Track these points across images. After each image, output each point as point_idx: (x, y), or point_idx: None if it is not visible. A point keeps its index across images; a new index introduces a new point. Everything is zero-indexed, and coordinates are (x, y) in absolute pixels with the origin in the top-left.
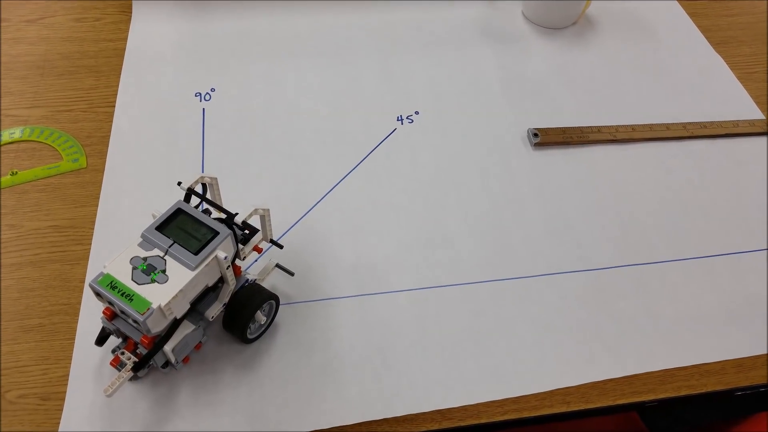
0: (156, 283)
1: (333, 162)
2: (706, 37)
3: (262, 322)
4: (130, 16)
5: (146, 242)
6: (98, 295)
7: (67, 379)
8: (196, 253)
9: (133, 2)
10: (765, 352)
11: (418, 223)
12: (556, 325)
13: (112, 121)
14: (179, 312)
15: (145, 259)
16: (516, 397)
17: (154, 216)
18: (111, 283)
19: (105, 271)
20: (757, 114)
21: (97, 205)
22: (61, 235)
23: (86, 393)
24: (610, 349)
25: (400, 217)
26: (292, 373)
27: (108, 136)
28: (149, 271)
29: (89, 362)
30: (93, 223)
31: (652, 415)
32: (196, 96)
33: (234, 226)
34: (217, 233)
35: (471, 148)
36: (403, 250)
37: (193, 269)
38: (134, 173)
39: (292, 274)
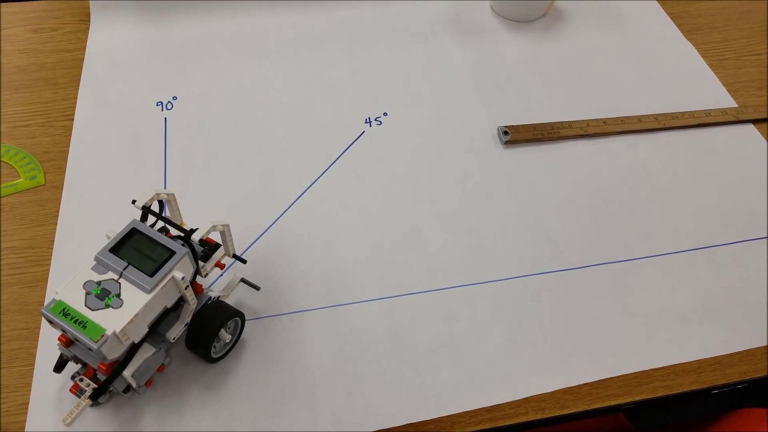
0: (110, 308)
1: (300, 169)
2: (677, 25)
3: (227, 341)
4: (89, 26)
5: (100, 265)
6: (51, 322)
7: (27, 408)
8: (151, 275)
9: (92, 10)
10: (742, 349)
11: (387, 229)
12: (530, 329)
13: (70, 136)
14: (137, 336)
15: (98, 283)
16: (490, 407)
17: (108, 237)
18: (63, 309)
19: (57, 297)
20: (729, 102)
21: (56, 224)
22: (19, 257)
23: (47, 422)
24: (585, 352)
25: (370, 224)
26: (260, 391)
27: (67, 151)
28: (103, 295)
29: (49, 389)
30: (52, 242)
31: (638, 413)
32: (157, 105)
33: (192, 244)
34: (173, 253)
35: (441, 148)
36: (373, 257)
37: (148, 292)
38: (95, 189)
39: (257, 288)
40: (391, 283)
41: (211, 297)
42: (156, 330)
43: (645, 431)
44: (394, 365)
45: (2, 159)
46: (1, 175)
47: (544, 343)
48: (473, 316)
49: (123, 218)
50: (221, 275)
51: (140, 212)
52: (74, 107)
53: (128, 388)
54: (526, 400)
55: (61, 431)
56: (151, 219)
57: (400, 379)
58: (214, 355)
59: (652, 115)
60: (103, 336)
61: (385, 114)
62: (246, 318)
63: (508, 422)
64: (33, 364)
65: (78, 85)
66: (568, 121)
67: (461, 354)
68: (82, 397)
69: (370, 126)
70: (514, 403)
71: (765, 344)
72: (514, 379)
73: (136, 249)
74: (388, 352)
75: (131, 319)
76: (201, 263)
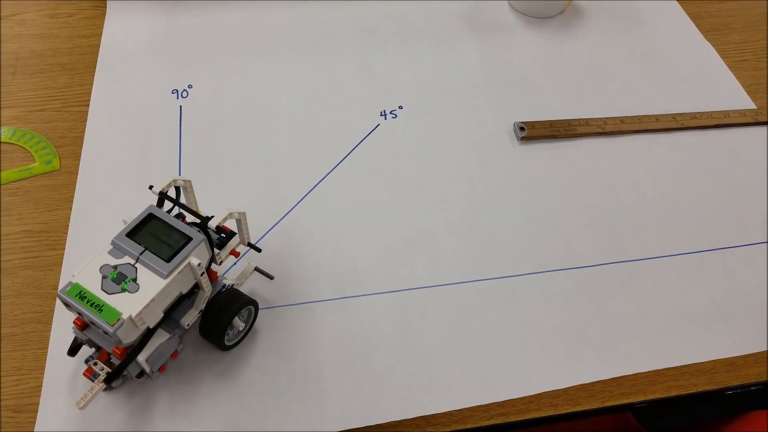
0: (127, 293)
1: (315, 159)
2: (696, 25)
3: (241, 329)
4: (105, 11)
5: (116, 249)
6: (67, 305)
7: (40, 391)
8: (168, 261)
9: None
10: (757, 351)
11: (401, 222)
12: (543, 326)
13: (86, 121)
14: (152, 321)
15: (115, 267)
16: (502, 401)
17: (125, 222)
18: (80, 293)
19: (74, 281)
20: (748, 103)
21: (70, 209)
22: (34, 240)
23: (60, 404)
24: (598, 350)
25: (383, 217)
26: (271, 380)
27: (82, 137)
28: (119, 279)
29: (63, 372)
30: (66, 227)
31: (647, 413)
32: (173, 93)
33: (208, 231)
34: (190, 239)
35: (455, 144)
36: (385, 250)
37: (165, 277)
38: (109, 174)
39: (271, 277)
40: (402, 277)
41: (225, 285)
42: (170, 316)
43: None
44: (405, 359)
45: (19, 143)
46: (15, 159)
47: (556, 339)
48: (486, 312)
49: (137, 204)
50: (235, 263)
51: (156, 198)
52: (90, 93)
53: (142, 373)
54: (539, 396)
55: (73, 414)
56: (167, 205)
57: (411, 373)
58: (227, 343)
59: (669, 114)
60: (119, 320)
61: (400, 107)
62: (259, 307)
63: (520, 417)
64: (46, 347)
65: (94, 71)
66: (585, 119)
67: (473, 349)
68: (96, 380)
69: (385, 119)
70: (527, 398)
71: None
72: (525, 375)
73: (153, 234)
74: (399, 346)
75: (147, 304)
76: (216, 250)
